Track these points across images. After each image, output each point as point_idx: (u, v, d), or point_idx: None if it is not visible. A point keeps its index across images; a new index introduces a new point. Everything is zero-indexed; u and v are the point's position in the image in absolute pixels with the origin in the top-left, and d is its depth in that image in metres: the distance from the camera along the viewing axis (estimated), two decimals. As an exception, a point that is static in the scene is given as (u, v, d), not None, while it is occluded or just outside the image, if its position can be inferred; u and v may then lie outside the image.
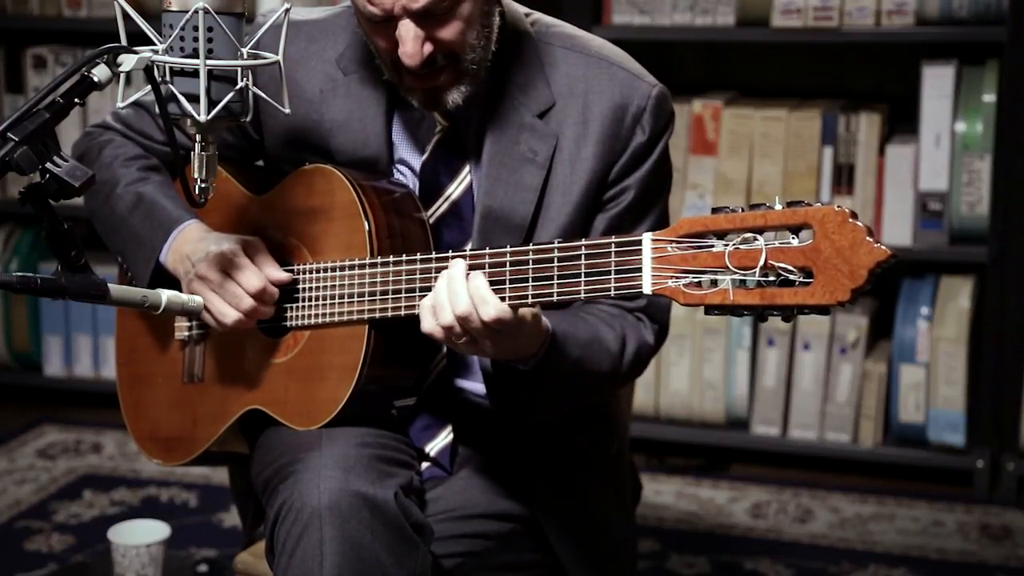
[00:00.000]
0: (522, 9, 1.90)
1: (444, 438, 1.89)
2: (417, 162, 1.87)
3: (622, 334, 1.83)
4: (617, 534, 1.98)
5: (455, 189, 1.86)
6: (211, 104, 1.59)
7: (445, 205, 1.86)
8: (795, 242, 1.44)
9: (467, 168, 1.86)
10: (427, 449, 1.88)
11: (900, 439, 3.31)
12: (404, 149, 1.89)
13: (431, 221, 1.85)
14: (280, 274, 1.82)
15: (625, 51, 1.92)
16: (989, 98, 3.17)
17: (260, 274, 1.79)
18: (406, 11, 1.69)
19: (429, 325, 1.65)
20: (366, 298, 1.76)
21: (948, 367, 3.22)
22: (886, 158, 3.24)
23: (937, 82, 3.17)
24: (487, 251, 1.66)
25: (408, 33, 1.70)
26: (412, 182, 1.88)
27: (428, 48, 1.72)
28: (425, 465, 1.89)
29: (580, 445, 1.94)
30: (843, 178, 3.27)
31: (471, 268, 1.65)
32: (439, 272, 1.68)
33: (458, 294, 1.62)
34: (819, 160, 3.27)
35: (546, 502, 1.89)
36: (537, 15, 1.91)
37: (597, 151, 1.82)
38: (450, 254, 1.69)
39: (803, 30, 3.23)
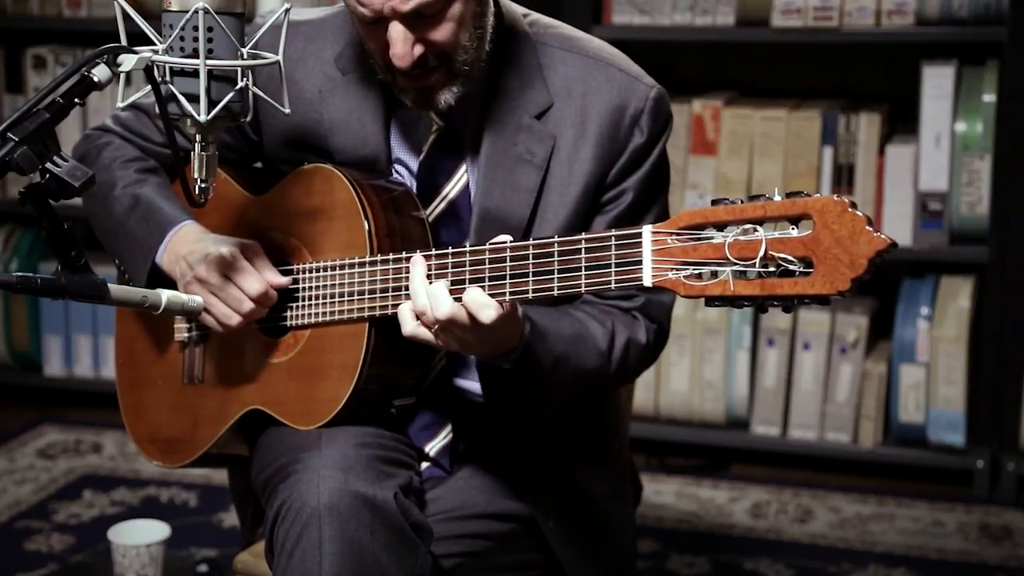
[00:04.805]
0: (520, 10, 1.90)
1: (443, 438, 1.89)
2: (414, 162, 1.87)
3: (612, 331, 1.82)
4: (617, 533, 1.98)
5: (452, 189, 1.86)
6: (211, 104, 1.59)
7: (442, 205, 1.86)
8: (795, 232, 1.44)
9: (464, 168, 1.86)
10: (427, 449, 1.89)
11: (900, 439, 3.31)
12: (401, 149, 1.89)
13: (429, 221, 1.85)
14: (279, 279, 1.82)
15: (625, 51, 1.92)
16: (989, 98, 3.17)
17: (260, 277, 1.79)
18: (395, 13, 1.69)
19: (408, 328, 1.69)
20: (366, 296, 1.76)
21: (948, 367, 3.22)
22: (886, 158, 3.25)
23: (937, 82, 3.17)
24: (487, 246, 1.66)
25: (398, 35, 1.70)
26: (409, 182, 1.88)
27: (419, 50, 1.71)
28: (424, 465, 1.89)
29: (580, 443, 1.94)
30: (843, 178, 3.27)
31: (472, 264, 1.66)
32: (439, 269, 1.68)
33: (416, 293, 1.67)
34: (819, 160, 3.27)
35: (545, 501, 1.89)
36: (535, 16, 1.91)
37: (595, 152, 1.82)
38: (450, 250, 1.69)
39: (803, 30, 3.23)
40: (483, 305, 1.62)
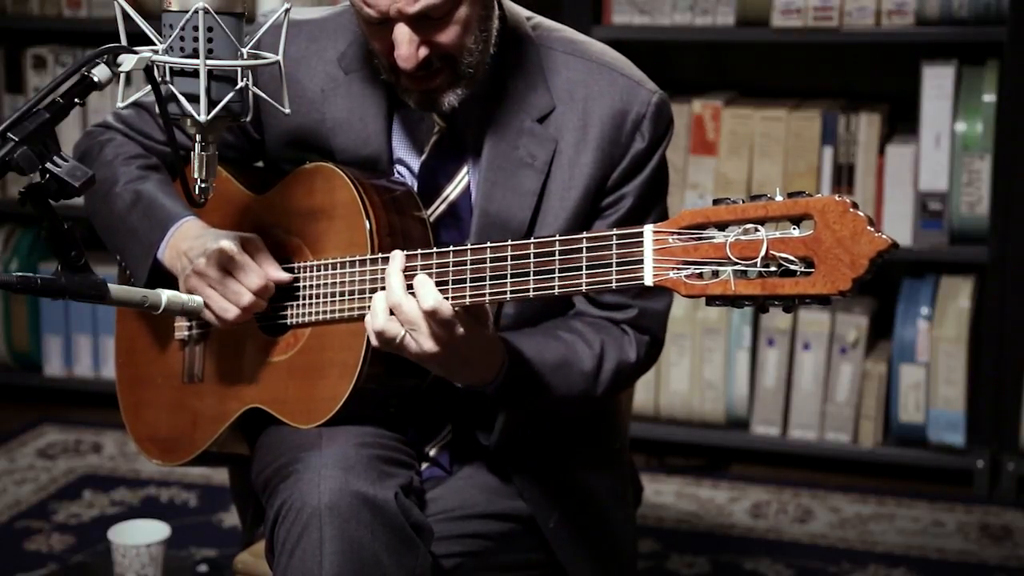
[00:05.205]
0: (524, 13, 1.90)
1: (443, 438, 1.89)
2: (415, 162, 1.87)
3: (600, 353, 1.83)
4: (617, 533, 1.98)
5: (453, 190, 1.86)
6: (211, 104, 1.59)
7: (443, 206, 1.86)
8: (796, 232, 1.44)
9: (465, 169, 1.86)
10: (426, 449, 1.89)
11: (900, 439, 3.31)
12: (403, 149, 1.89)
13: (430, 221, 1.85)
14: (280, 274, 1.81)
15: (625, 51, 1.92)
16: (989, 98, 3.17)
17: (259, 270, 1.79)
18: (401, 15, 1.68)
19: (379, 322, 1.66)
20: (367, 295, 1.75)
21: (948, 367, 3.22)
22: (886, 158, 3.25)
23: (937, 82, 3.17)
24: (488, 245, 1.65)
25: (403, 37, 1.70)
26: (410, 182, 1.88)
27: (423, 52, 1.71)
28: (425, 465, 1.89)
29: (580, 443, 1.94)
30: (843, 178, 3.27)
31: (473, 263, 1.65)
32: (440, 267, 1.68)
33: (391, 286, 1.65)
34: (819, 160, 3.27)
35: (545, 501, 1.89)
36: (539, 19, 1.91)
37: (596, 157, 1.82)
38: (451, 248, 1.69)
39: (803, 30, 3.23)
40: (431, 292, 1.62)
